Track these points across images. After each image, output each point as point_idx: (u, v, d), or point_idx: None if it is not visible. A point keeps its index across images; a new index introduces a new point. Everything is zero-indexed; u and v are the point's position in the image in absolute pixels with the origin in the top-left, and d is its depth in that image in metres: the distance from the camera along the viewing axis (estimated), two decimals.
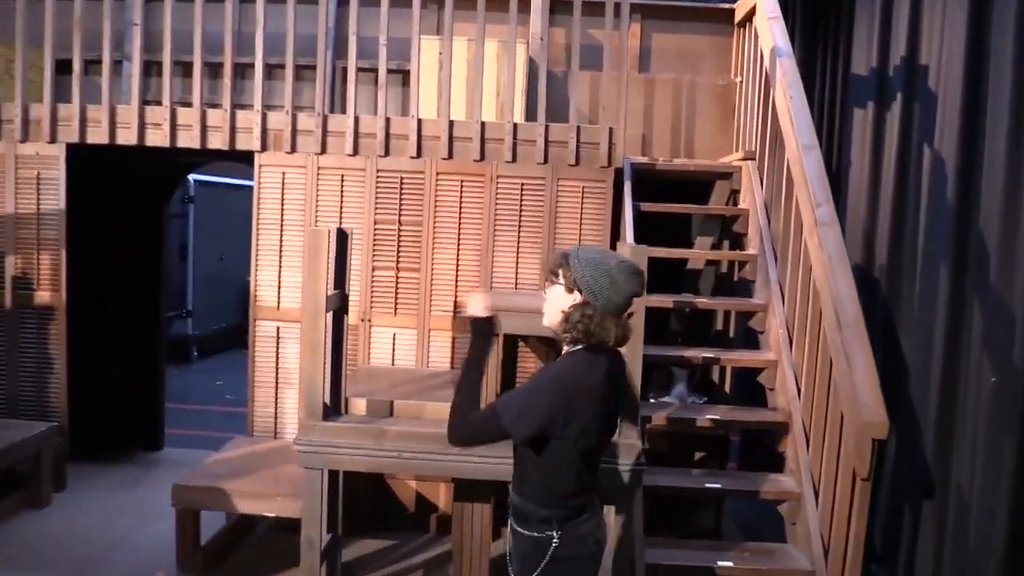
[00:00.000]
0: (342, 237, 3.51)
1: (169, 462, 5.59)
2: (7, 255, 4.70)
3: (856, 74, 4.84)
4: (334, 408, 3.50)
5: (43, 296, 4.72)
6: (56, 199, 4.68)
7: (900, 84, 4.47)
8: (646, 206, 4.57)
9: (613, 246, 4.53)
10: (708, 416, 3.86)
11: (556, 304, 2.26)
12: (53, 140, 4.66)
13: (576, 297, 2.22)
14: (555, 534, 2.21)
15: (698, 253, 4.90)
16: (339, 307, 3.53)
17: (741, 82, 5.28)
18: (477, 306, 2.42)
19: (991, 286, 3.87)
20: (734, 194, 5.03)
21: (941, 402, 4.06)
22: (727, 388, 5.04)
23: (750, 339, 4.67)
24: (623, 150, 4.52)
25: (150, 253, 5.79)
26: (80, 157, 4.73)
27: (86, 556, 4.03)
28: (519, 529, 2.27)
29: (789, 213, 4.20)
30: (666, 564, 3.38)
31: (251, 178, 10.10)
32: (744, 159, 4.86)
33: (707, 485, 3.70)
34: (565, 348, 2.29)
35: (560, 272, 2.25)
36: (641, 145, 5.37)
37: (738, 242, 4.90)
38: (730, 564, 3.43)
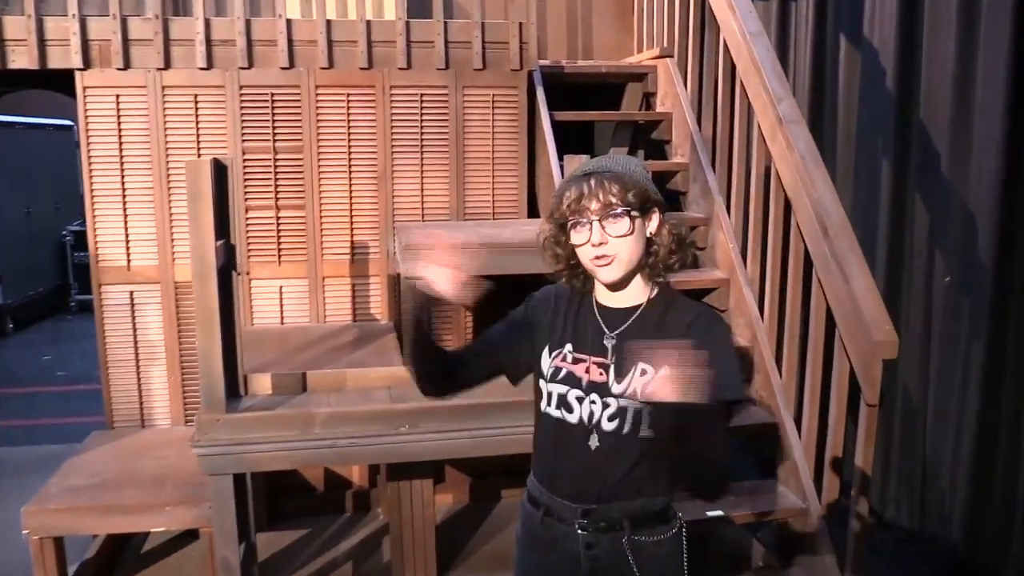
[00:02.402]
0: (220, 170, 2.70)
1: (3, 466, 4.58)
2: None
3: None
4: (231, 390, 2.75)
5: None
6: None
7: None
8: (560, 115, 3.98)
9: (531, 160, 3.95)
10: None
11: (639, 240, 1.64)
12: None
13: (654, 220, 1.66)
14: (680, 517, 1.74)
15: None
16: (225, 262, 2.75)
17: None
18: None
19: (943, 181, 3.61)
20: (647, 97, 4.52)
21: (886, 306, 3.82)
22: None
23: None
24: (536, 50, 3.86)
25: None
26: None
27: None
28: (647, 539, 1.68)
29: (730, 113, 3.75)
30: None
31: (56, 115, 8.75)
32: (660, 57, 4.34)
33: None
34: (619, 300, 1.69)
35: (633, 197, 1.61)
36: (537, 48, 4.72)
37: (657, 150, 4.41)
38: (720, 513, 3.03)
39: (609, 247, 1.62)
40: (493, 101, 3.84)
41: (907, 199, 3.77)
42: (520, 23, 3.81)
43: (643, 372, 1.59)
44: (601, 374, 1.66)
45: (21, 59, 3.55)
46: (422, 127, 3.79)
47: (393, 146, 3.78)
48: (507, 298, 3.10)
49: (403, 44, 3.70)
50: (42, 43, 3.51)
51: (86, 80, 3.59)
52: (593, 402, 1.66)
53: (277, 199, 3.73)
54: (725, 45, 3.67)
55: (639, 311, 1.68)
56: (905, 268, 3.83)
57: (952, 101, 3.51)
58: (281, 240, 3.76)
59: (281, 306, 3.78)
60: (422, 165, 3.81)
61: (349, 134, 3.75)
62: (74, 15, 3.49)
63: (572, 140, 4.12)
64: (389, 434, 2.57)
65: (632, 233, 1.62)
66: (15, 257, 8.10)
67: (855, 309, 2.78)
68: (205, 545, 3.12)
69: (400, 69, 3.73)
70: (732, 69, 3.63)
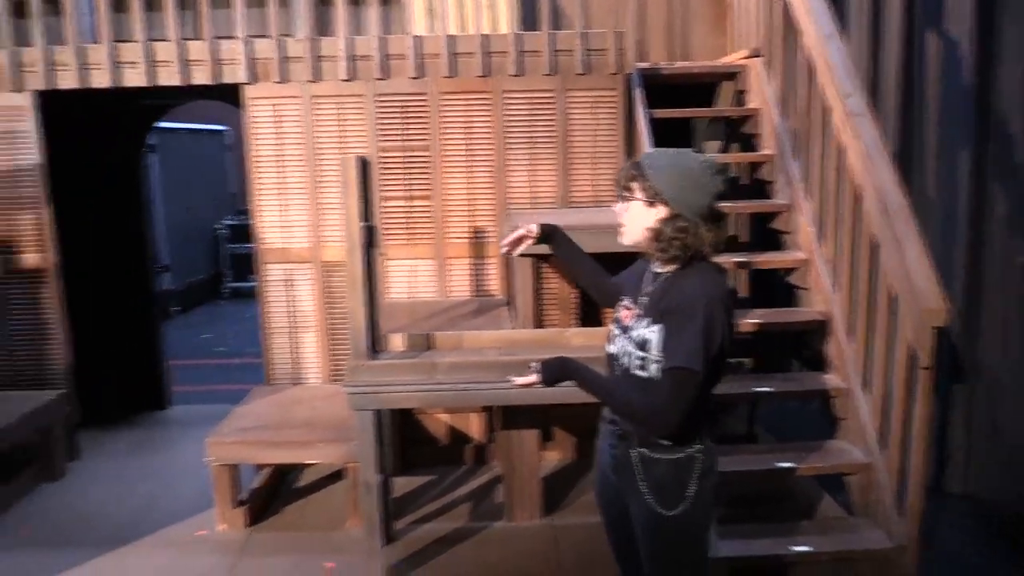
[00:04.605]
0: (364, 165, 3.30)
1: (178, 420, 5.41)
2: None
3: None
4: (373, 345, 3.35)
5: (31, 259, 4.43)
6: (31, 153, 4.35)
7: None
8: (658, 112, 4.40)
9: (631, 154, 4.39)
10: (749, 320, 3.79)
11: (638, 222, 2.09)
12: (19, 88, 4.31)
13: (661, 210, 2.05)
14: (699, 446, 2.10)
15: (730, 156, 4.75)
16: (368, 240, 3.34)
17: None
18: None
19: (1019, 166, 3.83)
20: (739, 95, 4.88)
21: (967, 286, 4.06)
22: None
23: (766, 242, 4.58)
24: (633, 55, 4.31)
25: (130, 204, 5.48)
26: (44, 106, 4.40)
27: (116, 525, 3.87)
28: (651, 455, 2.10)
29: (808, 109, 4.08)
30: (726, 471, 3.33)
31: (213, 122, 9.76)
32: (750, 57, 4.70)
33: (756, 389, 3.64)
34: (663, 267, 2.13)
35: (635, 185, 2.07)
36: (636, 50, 5.15)
37: (748, 144, 4.77)
38: (791, 464, 3.40)
39: (623, 218, 2.13)
40: (594, 102, 4.32)
41: (986, 184, 3.99)
42: (618, 31, 4.27)
43: (646, 324, 2.07)
44: (631, 319, 2.15)
45: (199, 75, 4.28)
46: (531, 126, 4.31)
47: (506, 143, 4.32)
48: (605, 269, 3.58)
49: (515, 54, 4.23)
50: (217, 63, 4.23)
51: (250, 92, 4.29)
52: (620, 339, 2.16)
53: (408, 190, 4.33)
54: (805, 45, 4.01)
55: (661, 278, 2.12)
56: (986, 250, 4.05)
57: None
58: (411, 226, 4.36)
59: (411, 283, 4.39)
60: (532, 159, 4.34)
61: (468, 133, 4.31)
62: (242, 37, 4.19)
63: (673, 134, 4.55)
64: (497, 381, 3.09)
65: (629, 213, 2.10)
66: (178, 249, 9.15)
67: (910, 282, 3.10)
68: (348, 483, 3.75)
69: (512, 76, 4.27)
70: (811, 67, 3.97)
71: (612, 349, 2.20)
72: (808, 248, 4.02)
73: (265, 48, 4.24)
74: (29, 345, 4.50)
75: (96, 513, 4.00)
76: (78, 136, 4.98)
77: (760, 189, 4.55)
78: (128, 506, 4.06)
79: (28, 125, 4.33)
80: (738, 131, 4.81)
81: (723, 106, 4.94)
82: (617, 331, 2.19)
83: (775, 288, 4.76)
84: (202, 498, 3.95)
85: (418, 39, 4.23)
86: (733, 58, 4.94)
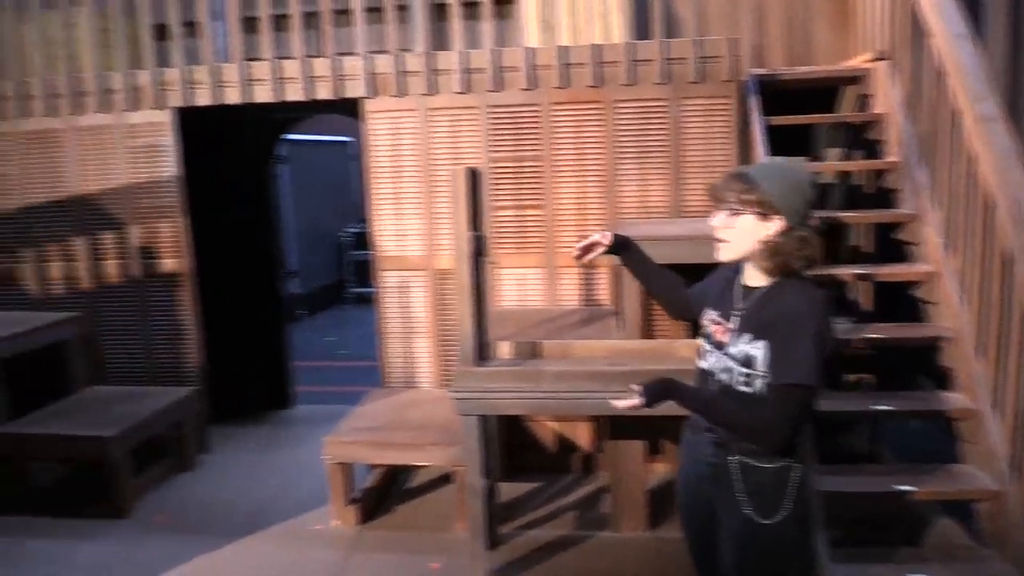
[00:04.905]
0: (474, 176, 3.37)
1: (302, 419, 5.65)
2: (130, 225, 4.73)
3: None
4: (481, 352, 3.41)
5: (168, 264, 4.75)
6: (170, 166, 4.66)
7: None
8: (775, 119, 4.29)
9: (747, 162, 4.30)
10: (869, 335, 3.64)
11: (749, 235, 2.03)
12: (160, 106, 4.63)
13: (776, 223, 2.00)
14: (799, 454, 2.07)
15: (853, 164, 4.59)
16: (478, 249, 3.41)
17: None
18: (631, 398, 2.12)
19: None
20: (863, 99, 4.70)
21: None
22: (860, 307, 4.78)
23: (891, 253, 4.39)
24: (749, 61, 4.23)
25: (261, 213, 5.78)
26: (182, 122, 4.71)
27: (242, 515, 4.08)
28: (751, 462, 2.08)
29: (936, 114, 3.89)
30: (841, 491, 3.21)
31: (337, 134, 10.14)
32: (875, 60, 4.51)
33: (875, 407, 3.49)
34: (758, 280, 2.09)
35: (748, 197, 2.01)
36: (753, 55, 5.04)
37: (872, 150, 4.58)
38: (912, 488, 3.24)
39: (723, 232, 2.08)
40: (708, 110, 4.25)
41: None
42: (732, 38, 4.19)
43: (748, 341, 2.04)
44: (724, 335, 2.11)
45: (322, 91, 4.48)
46: (643, 135, 4.29)
47: (617, 153, 4.31)
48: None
49: (627, 63, 4.22)
50: (339, 79, 4.42)
51: (369, 106, 4.45)
52: (713, 355, 2.13)
53: (520, 200, 4.39)
54: (934, 47, 3.82)
55: (759, 292, 2.08)
56: None
57: None
58: (522, 235, 4.41)
59: (521, 291, 4.44)
60: (643, 169, 4.31)
61: (579, 143, 4.33)
62: (363, 54, 4.36)
63: (792, 141, 4.42)
64: (602, 391, 3.08)
65: (737, 228, 2.04)
66: (305, 255, 9.57)
67: None
68: (456, 487, 3.83)
69: (623, 85, 4.26)
70: (940, 70, 3.78)
71: (704, 364, 2.18)
72: (935, 260, 3.83)
73: (384, 64, 4.39)
74: (167, 344, 4.82)
75: (223, 504, 4.23)
76: (213, 149, 5.30)
77: (885, 197, 4.37)
78: (252, 499, 4.28)
79: (168, 140, 4.65)
80: (861, 137, 4.63)
81: (845, 111, 4.76)
82: (708, 347, 2.17)
83: (901, 301, 4.56)
84: (320, 494, 4.13)
85: (530, 51, 4.29)
86: (856, 62, 4.75)
